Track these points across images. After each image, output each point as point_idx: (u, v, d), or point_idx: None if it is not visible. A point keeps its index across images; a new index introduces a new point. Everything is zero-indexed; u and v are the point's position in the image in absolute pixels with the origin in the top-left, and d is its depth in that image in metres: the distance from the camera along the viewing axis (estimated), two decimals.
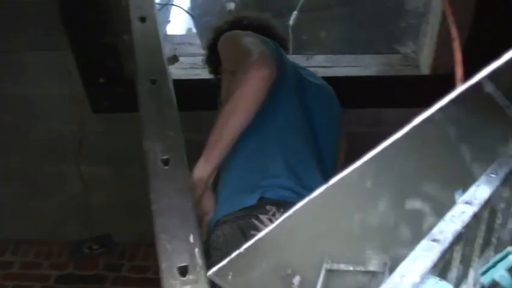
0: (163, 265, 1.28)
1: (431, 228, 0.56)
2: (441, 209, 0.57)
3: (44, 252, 3.21)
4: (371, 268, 0.69)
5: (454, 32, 1.14)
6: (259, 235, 0.56)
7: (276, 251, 0.63)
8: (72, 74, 2.44)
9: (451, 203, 0.57)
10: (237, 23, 2.04)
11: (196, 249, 1.31)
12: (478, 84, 0.56)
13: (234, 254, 0.56)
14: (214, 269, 0.56)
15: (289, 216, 0.55)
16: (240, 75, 1.59)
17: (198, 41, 3.03)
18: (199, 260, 1.29)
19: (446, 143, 0.57)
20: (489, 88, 0.68)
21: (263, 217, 1.45)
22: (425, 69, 2.44)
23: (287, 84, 1.76)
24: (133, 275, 3.14)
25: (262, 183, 1.55)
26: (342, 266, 0.68)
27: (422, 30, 2.47)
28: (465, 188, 0.67)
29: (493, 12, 2.20)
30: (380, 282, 0.68)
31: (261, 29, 1.97)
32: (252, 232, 1.41)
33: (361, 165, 0.52)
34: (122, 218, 2.99)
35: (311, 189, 1.50)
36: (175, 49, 2.48)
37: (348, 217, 0.55)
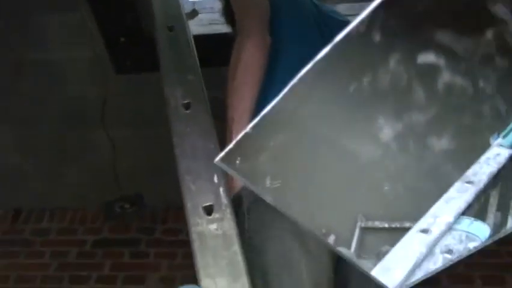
0: (188, 205, 1.27)
1: (448, 85, 0.51)
2: (458, 62, 0.51)
3: (79, 218, 3.26)
4: (407, 225, 0.68)
5: None
6: (264, 110, 0.52)
7: (289, 123, 0.59)
8: (93, 34, 2.42)
9: (468, 56, 0.51)
10: None
11: (221, 189, 1.29)
12: None
13: (240, 136, 0.53)
14: (221, 154, 0.53)
15: (294, 84, 0.52)
16: (236, 44, 1.60)
17: (219, 5, 2.98)
18: (224, 199, 1.27)
19: None
20: None
21: None
22: None
23: (303, 19, 1.73)
24: (166, 237, 3.17)
25: None
26: (377, 223, 0.68)
27: None
28: (500, 132, 0.64)
29: None
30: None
31: None
32: None
33: (368, 14, 0.47)
34: (150, 180, 3.00)
35: None
36: (194, 3, 2.44)
37: (357, 79, 0.51)
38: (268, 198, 0.57)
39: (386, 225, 0.68)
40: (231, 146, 0.53)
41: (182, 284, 1.15)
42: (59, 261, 3.10)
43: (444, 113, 0.52)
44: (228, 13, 2.07)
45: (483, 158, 0.64)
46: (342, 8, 2.58)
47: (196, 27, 2.58)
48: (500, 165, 0.64)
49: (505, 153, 0.64)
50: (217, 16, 2.68)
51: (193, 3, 2.49)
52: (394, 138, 0.53)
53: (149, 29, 2.45)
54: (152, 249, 3.12)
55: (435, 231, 0.67)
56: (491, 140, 0.65)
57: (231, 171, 0.53)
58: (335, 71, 0.50)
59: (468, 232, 0.68)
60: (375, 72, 0.48)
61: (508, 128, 0.47)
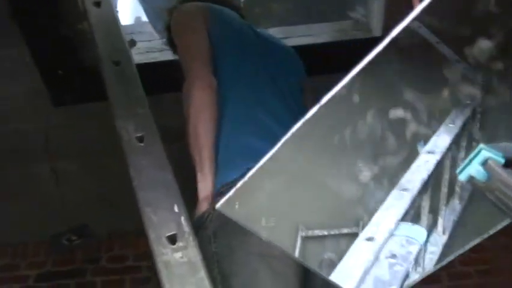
0: (152, 236, 1.31)
1: (414, 134, 0.61)
2: (421, 115, 0.62)
3: (20, 253, 3.19)
4: (345, 231, 0.74)
5: None
6: (260, 162, 0.60)
7: (280, 171, 0.67)
8: (30, 68, 2.42)
9: (429, 110, 0.62)
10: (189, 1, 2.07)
11: (182, 218, 1.35)
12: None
13: (238, 185, 0.60)
14: (222, 201, 0.60)
15: (287, 139, 0.59)
16: (185, 88, 1.69)
17: (148, 29, 3.03)
18: (186, 228, 1.33)
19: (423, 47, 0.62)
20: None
21: None
22: (376, 31, 2.51)
23: (246, 48, 1.82)
24: (112, 265, 3.16)
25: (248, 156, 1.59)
26: (317, 232, 0.74)
27: None
28: (425, 140, 0.71)
29: None
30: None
31: (214, 2, 2.01)
32: None
33: (348, 83, 0.56)
34: (95, 209, 3.00)
35: None
36: (132, 34, 2.48)
37: (339, 132, 0.60)
38: (264, 236, 0.64)
39: (326, 233, 0.74)
40: (230, 193, 0.60)
41: None
42: None
43: (413, 156, 0.62)
44: (172, 43, 2.13)
45: (414, 166, 0.72)
46: (273, 32, 2.69)
47: (134, 55, 2.62)
48: (429, 172, 0.73)
49: (432, 160, 0.72)
50: (155, 44, 2.74)
51: (130, 33, 2.53)
52: (371, 178, 0.62)
53: (87, 61, 2.48)
54: (99, 278, 3.11)
55: (379, 239, 0.73)
56: (419, 147, 0.73)
57: (231, 216, 0.60)
58: (321, 126, 0.58)
59: (408, 236, 0.75)
60: (354, 125, 0.57)
61: (464, 163, 0.55)
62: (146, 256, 1.35)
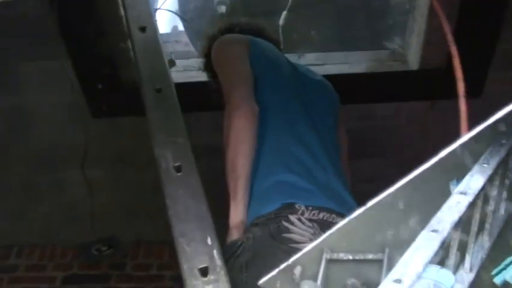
0: (184, 267, 1.36)
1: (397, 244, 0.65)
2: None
3: (48, 255, 3.28)
4: (370, 256, 0.73)
5: (454, 49, 1.23)
6: (304, 250, 0.64)
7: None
8: (72, 82, 2.50)
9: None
10: (229, 30, 2.11)
11: (215, 251, 1.40)
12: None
13: (283, 265, 0.64)
14: (264, 278, 0.64)
15: (330, 234, 0.64)
16: (227, 114, 1.72)
17: (185, 38, 3.10)
18: (218, 261, 1.38)
19: (462, 170, 0.66)
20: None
21: (292, 217, 1.53)
22: (413, 64, 2.53)
23: (283, 81, 1.86)
24: (136, 272, 3.22)
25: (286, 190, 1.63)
26: (342, 255, 0.73)
27: (408, 27, 2.57)
28: (459, 178, 0.72)
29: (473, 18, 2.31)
30: (379, 270, 0.76)
31: (253, 34, 2.05)
32: (283, 235, 1.50)
33: (395, 190, 0.61)
34: (122, 218, 3.07)
35: (326, 184, 1.58)
36: (171, 53, 2.55)
37: (382, 232, 0.64)
38: None
39: (350, 257, 0.74)
40: (274, 273, 0.64)
41: None
42: None
43: None
44: (209, 69, 2.18)
45: (445, 207, 0.73)
46: (310, 58, 2.73)
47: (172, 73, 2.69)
48: (460, 213, 0.74)
49: (464, 201, 0.74)
50: (192, 62, 2.80)
51: (171, 53, 2.59)
52: None
53: (125, 77, 2.55)
54: (124, 285, 3.18)
55: (407, 281, 0.74)
56: (451, 186, 0.75)
57: None
58: (368, 226, 0.63)
59: (435, 280, 0.78)
60: (397, 229, 0.61)
61: (500, 267, 0.58)
62: (170, 266, 1.40)
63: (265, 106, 1.76)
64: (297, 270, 0.74)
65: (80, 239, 3.00)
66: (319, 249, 0.72)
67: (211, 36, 2.12)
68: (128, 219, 3.10)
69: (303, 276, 0.74)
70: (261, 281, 0.63)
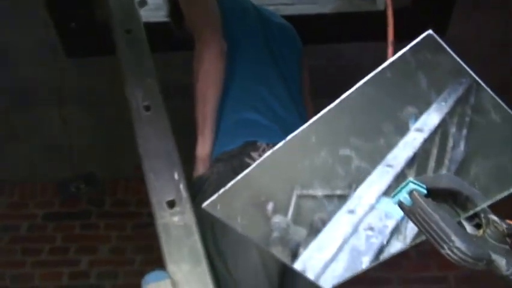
0: (153, 200, 1.47)
1: (357, 168, 0.73)
2: (364, 154, 0.74)
3: (29, 192, 3.36)
4: (338, 192, 0.79)
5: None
6: (239, 176, 0.73)
7: (253, 185, 0.80)
8: (45, 20, 2.52)
9: (371, 151, 0.74)
10: None
11: (181, 185, 1.50)
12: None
13: (221, 191, 0.73)
14: (207, 202, 0.73)
15: (262, 161, 0.73)
16: (196, 53, 1.77)
17: None
18: (184, 194, 1.49)
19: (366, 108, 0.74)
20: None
21: (254, 154, 1.63)
22: (380, 3, 2.59)
23: (250, 22, 1.92)
24: (115, 209, 3.33)
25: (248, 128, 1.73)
26: (311, 192, 0.79)
27: None
28: (417, 115, 0.77)
29: None
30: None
31: None
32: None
33: (308, 127, 0.70)
34: (101, 156, 3.16)
35: (289, 124, 1.67)
36: None
37: (300, 161, 0.74)
38: (238, 230, 0.77)
39: (320, 193, 0.79)
40: (214, 197, 0.73)
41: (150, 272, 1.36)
42: (11, 235, 3.24)
43: None
44: (173, 16, 2.19)
45: (401, 143, 0.75)
46: None
47: (144, 12, 2.71)
48: (415, 149, 0.76)
49: (420, 138, 0.80)
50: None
51: None
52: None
53: (98, 16, 2.58)
54: (103, 221, 3.29)
55: (360, 212, 0.79)
56: (410, 124, 0.81)
57: (214, 214, 0.73)
58: (287, 156, 0.73)
59: (387, 211, 0.82)
60: (311, 159, 0.71)
61: (396, 191, 0.67)
62: (148, 202, 1.50)
63: (233, 45, 1.82)
64: (270, 206, 0.80)
65: (59, 177, 3.08)
66: (290, 186, 0.78)
67: None
68: (106, 157, 3.18)
69: (274, 212, 0.80)
70: (204, 204, 0.72)
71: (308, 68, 2.19)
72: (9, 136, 3.09)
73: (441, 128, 0.78)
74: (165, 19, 2.69)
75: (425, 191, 0.64)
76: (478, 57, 2.75)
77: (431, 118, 0.77)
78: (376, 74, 0.68)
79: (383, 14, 2.64)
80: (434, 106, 0.78)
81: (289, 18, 2.37)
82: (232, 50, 1.81)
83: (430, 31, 0.64)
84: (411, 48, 0.68)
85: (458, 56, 0.80)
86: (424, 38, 0.68)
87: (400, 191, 0.63)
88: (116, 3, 1.94)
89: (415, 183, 0.63)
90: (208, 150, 1.73)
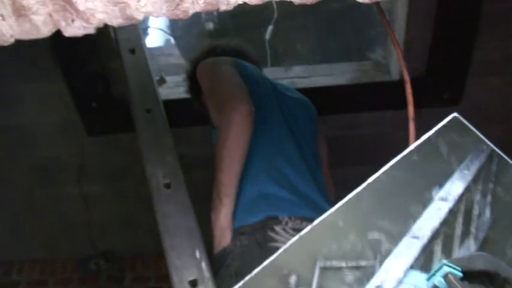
0: (175, 280, 1.46)
1: (387, 251, 0.72)
2: (393, 237, 0.73)
3: (49, 270, 3.34)
4: (363, 263, 0.77)
5: (406, 74, 1.31)
6: (265, 263, 0.72)
7: (277, 265, 0.78)
8: (67, 102, 2.58)
9: (400, 234, 0.72)
10: (211, 52, 2.19)
11: (203, 263, 1.49)
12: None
13: (247, 278, 0.72)
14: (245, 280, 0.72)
15: (288, 247, 0.72)
16: (223, 118, 1.77)
17: (176, 51, 3.18)
18: (207, 273, 1.47)
19: (394, 191, 0.73)
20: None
21: (277, 227, 1.63)
22: (395, 74, 2.62)
23: (267, 98, 1.95)
24: (135, 285, 3.30)
25: (271, 201, 1.72)
26: (335, 263, 0.77)
27: (389, 38, 2.65)
28: (441, 184, 0.78)
29: (449, 29, 2.40)
30: (372, 275, 0.81)
31: (235, 55, 2.14)
32: (269, 245, 1.60)
33: (335, 211, 0.70)
34: (120, 232, 3.15)
35: (307, 196, 1.68)
36: (162, 72, 2.63)
37: (327, 245, 0.73)
38: None
39: (344, 265, 0.77)
40: (240, 285, 0.72)
41: None
42: None
43: None
44: (193, 92, 2.24)
45: (426, 213, 0.78)
46: (297, 70, 2.82)
47: (162, 89, 2.77)
48: (441, 219, 0.79)
49: (445, 208, 0.78)
50: (182, 79, 2.88)
51: (161, 71, 2.67)
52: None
53: (118, 95, 2.64)
54: None
55: (388, 287, 0.75)
56: (433, 193, 0.80)
57: None
58: (313, 240, 0.72)
59: (416, 285, 0.83)
60: (339, 243, 0.70)
61: (431, 273, 0.65)
62: (167, 278, 1.49)
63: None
64: (292, 279, 0.79)
65: (79, 253, 3.08)
66: (313, 258, 0.77)
67: (194, 60, 2.20)
68: (125, 233, 3.18)
69: (298, 285, 0.78)
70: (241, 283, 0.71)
71: (325, 139, 2.21)
72: (29, 213, 3.11)
73: (465, 196, 0.78)
74: (184, 95, 2.77)
75: (460, 274, 0.62)
76: (492, 120, 2.77)
77: (455, 186, 0.76)
78: (402, 157, 0.68)
79: (397, 83, 2.71)
80: (456, 174, 0.77)
81: (306, 90, 2.42)
82: None
83: (455, 114, 0.65)
84: (437, 131, 0.69)
85: (474, 120, 0.80)
86: (450, 120, 0.69)
87: (434, 274, 0.62)
88: (136, 82, 1.99)
89: (449, 266, 0.62)
90: (229, 218, 1.71)
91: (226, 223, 1.71)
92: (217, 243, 1.71)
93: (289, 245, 0.72)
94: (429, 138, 0.69)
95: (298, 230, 1.65)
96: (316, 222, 0.70)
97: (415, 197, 0.74)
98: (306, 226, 1.66)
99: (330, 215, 0.70)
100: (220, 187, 1.73)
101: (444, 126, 0.68)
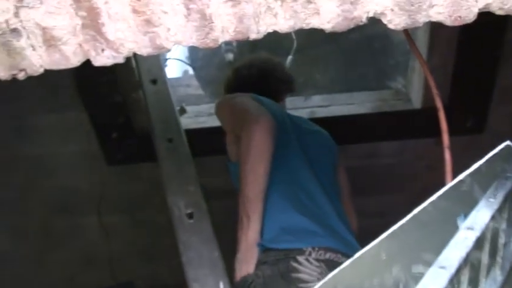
0: None
1: None
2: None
3: None
4: None
5: (439, 101, 1.30)
6: None
7: None
8: (88, 132, 2.59)
9: None
10: (244, 68, 2.22)
11: None
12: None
13: None
14: None
15: (326, 282, 0.70)
16: (244, 133, 1.75)
17: (195, 82, 3.20)
18: None
19: (441, 222, 0.71)
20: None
21: (301, 258, 1.62)
22: (416, 102, 2.61)
23: (285, 131, 1.95)
24: None
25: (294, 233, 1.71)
26: None
27: (410, 66, 2.65)
28: (466, 213, 0.77)
29: (471, 57, 2.39)
30: None
31: (266, 71, 2.15)
32: (292, 275, 1.58)
33: (377, 243, 0.67)
34: (140, 263, 3.13)
35: (330, 226, 1.68)
36: (183, 102, 2.64)
37: (368, 279, 0.70)
38: None
39: None
40: None
41: None
42: None
43: None
44: None
45: (452, 243, 0.76)
46: (316, 100, 2.81)
47: (183, 119, 2.78)
48: (468, 249, 0.76)
49: (472, 237, 0.76)
50: (202, 108, 2.89)
51: (182, 101, 2.68)
52: None
53: (139, 126, 2.65)
54: None
55: None
56: (458, 222, 0.77)
57: None
58: (355, 274, 0.69)
59: None
60: (381, 277, 0.68)
61: None
62: None
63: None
64: None
65: (98, 284, 3.06)
66: None
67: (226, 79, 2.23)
68: (145, 264, 3.15)
69: None
70: None
71: (345, 170, 2.20)
72: (49, 244, 3.10)
73: (491, 225, 0.76)
74: (204, 125, 2.78)
75: None
76: None
77: (481, 215, 0.74)
78: (451, 187, 0.66)
79: (418, 112, 2.68)
80: (482, 202, 0.75)
81: (325, 119, 2.41)
82: None
83: (508, 142, 0.63)
84: (488, 160, 0.67)
85: None
86: (502, 149, 0.67)
87: None
88: (158, 112, 2.00)
89: None
90: (258, 236, 1.68)
91: (255, 240, 1.68)
92: (244, 260, 1.66)
93: (328, 279, 0.69)
94: (479, 167, 0.67)
95: (322, 261, 1.64)
96: (358, 254, 0.68)
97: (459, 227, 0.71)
98: (330, 256, 1.67)
99: (373, 247, 0.67)
100: (246, 203, 1.71)
101: (495, 155, 0.66)
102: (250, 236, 1.68)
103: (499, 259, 0.79)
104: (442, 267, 0.70)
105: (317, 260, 1.63)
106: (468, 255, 0.70)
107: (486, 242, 0.75)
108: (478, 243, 0.72)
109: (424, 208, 0.67)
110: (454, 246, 0.70)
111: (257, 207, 1.70)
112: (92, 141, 2.69)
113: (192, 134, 2.62)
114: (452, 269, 0.69)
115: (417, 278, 0.69)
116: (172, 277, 2.91)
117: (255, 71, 2.22)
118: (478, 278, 0.75)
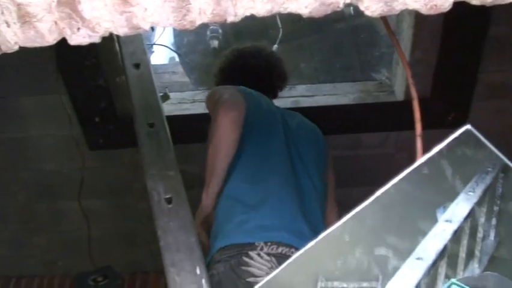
0: None
1: (394, 268, 0.70)
2: (401, 254, 0.71)
3: (46, 286, 3.30)
4: (365, 285, 0.77)
5: (414, 91, 1.31)
6: (262, 283, 0.70)
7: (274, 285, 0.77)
8: (70, 115, 2.57)
9: (409, 250, 0.70)
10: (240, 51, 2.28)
11: (203, 280, 1.47)
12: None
13: None
14: None
15: (286, 265, 0.70)
16: (213, 120, 1.88)
17: (180, 69, 3.19)
18: None
19: (403, 205, 0.72)
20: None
21: (252, 253, 1.65)
22: (399, 94, 2.62)
23: (273, 127, 1.97)
24: None
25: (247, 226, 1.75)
26: (336, 284, 0.76)
27: (394, 59, 2.66)
28: (446, 206, 0.77)
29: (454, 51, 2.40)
30: None
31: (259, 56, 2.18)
32: (243, 268, 1.65)
33: (341, 225, 0.68)
34: (119, 248, 3.12)
35: (291, 223, 1.71)
36: (166, 88, 2.62)
37: (332, 261, 0.71)
38: None
39: (345, 285, 0.76)
40: None
41: None
42: None
43: None
44: None
45: (431, 234, 0.76)
46: (300, 90, 2.81)
47: (166, 105, 2.77)
48: (446, 241, 0.77)
49: (449, 229, 0.77)
50: (186, 95, 2.88)
51: (165, 87, 2.66)
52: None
53: (121, 110, 2.63)
54: None
55: None
56: (438, 214, 0.78)
57: None
58: (317, 256, 0.70)
59: None
60: (344, 259, 0.68)
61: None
62: None
63: (249, 134, 1.88)
64: None
65: (78, 269, 3.05)
66: (314, 276, 0.75)
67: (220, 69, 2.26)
68: (125, 249, 3.15)
69: None
70: None
71: (332, 172, 2.22)
72: (28, 229, 3.09)
73: (470, 218, 0.76)
74: (187, 112, 2.77)
75: None
76: (498, 144, 2.75)
77: (460, 208, 0.75)
78: (412, 171, 0.67)
79: (401, 104, 2.69)
80: (462, 196, 0.76)
81: (309, 109, 2.41)
82: (253, 155, 1.87)
83: (468, 126, 0.63)
84: (448, 143, 0.67)
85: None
86: (462, 133, 0.67)
87: None
88: (140, 97, 1.99)
89: (458, 285, 0.60)
90: (210, 201, 1.89)
91: (209, 201, 1.89)
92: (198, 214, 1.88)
93: (289, 262, 0.70)
94: (440, 151, 0.67)
95: (274, 255, 1.68)
96: (321, 236, 0.68)
97: (424, 212, 0.72)
98: (282, 251, 1.69)
99: (335, 229, 0.68)
100: (207, 177, 1.90)
101: (455, 139, 0.66)
102: (203, 203, 1.90)
103: (477, 253, 0.80)
104: (419, 259, 0.70)
105: (268, 254, 1.67)
106: (445, 247, 0.71)
107: (464, 235, 0.76)
108: (456, 236, 0.72)
109: (386, 190, 0.67)
110: (432, 238, 0.71)
111: (212, 188, 1.89)
112: (74, 126, 2.67)
113: (175, 120, 2.62)
114: (429, 261, 0.69)
115: (380, 260, 0.69)
116: (151, 262, 2.93)
117: (262, 61, 2.24)
118: (456, 270, 0.75)
